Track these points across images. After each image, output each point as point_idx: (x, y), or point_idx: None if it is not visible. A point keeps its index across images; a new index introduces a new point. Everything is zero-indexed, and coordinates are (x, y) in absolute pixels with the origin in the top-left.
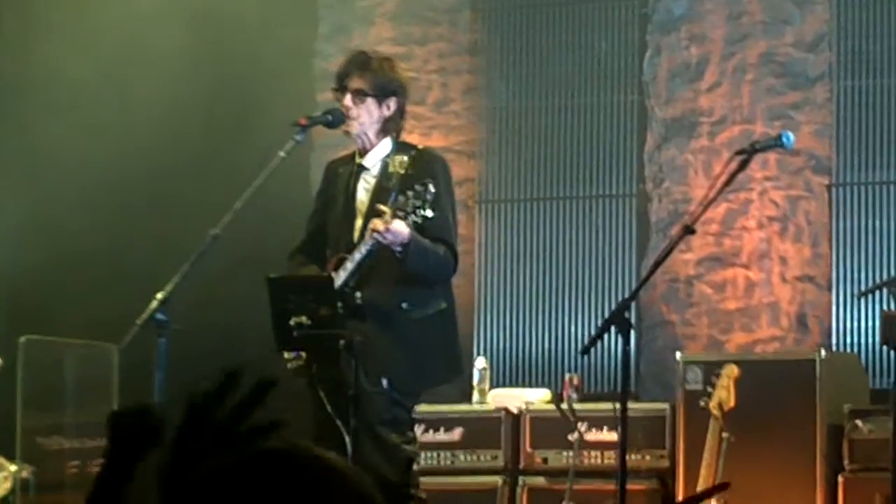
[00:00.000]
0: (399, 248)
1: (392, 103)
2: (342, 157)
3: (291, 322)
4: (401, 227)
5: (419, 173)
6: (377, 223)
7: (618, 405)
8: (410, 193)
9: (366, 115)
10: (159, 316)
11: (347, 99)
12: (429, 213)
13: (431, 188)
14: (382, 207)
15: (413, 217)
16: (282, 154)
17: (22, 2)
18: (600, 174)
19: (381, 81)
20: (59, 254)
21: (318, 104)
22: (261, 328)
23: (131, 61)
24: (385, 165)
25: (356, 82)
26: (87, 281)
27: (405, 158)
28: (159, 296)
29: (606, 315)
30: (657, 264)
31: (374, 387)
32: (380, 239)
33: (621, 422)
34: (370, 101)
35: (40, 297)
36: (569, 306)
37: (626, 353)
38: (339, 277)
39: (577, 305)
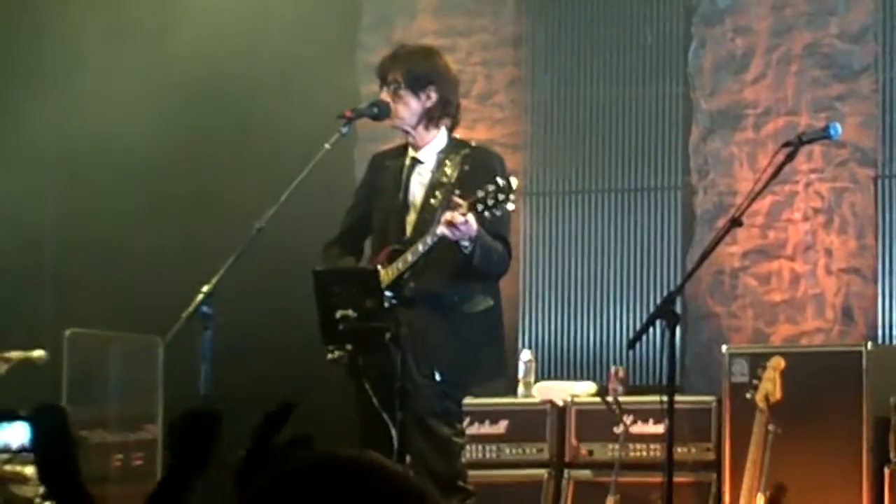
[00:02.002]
0: (466, 243)
1: (431, 93)
2: (390, 150)
3: (337, 315)
4: (473, 221)
5: (477, 170)
6: (455, 216)
7: (664, 398)
8: (491, 187)
9: (404, 109)
10: (205, 309)
11: (384, 93)
12: (510, 206)
13: (513, 182)
14: (458, 200)
15: (495, 210)
16: (327, 146)
17: None
18: (645, 166)
19: (415, 72)
20: (103, 246)
21: (361, 96)
22: (304, 321)
23: (169, 49)
24: (440, 161)
25: (391, 76)
26: (130, 273)
27: (461, 155)
28: (205, 288)
29: (652, 308)
30: (704, 257)
31: (424, 378)
32: (451, 233)
33: (668, 414)
34: (406, 94)
35: (85, 289)
36: (614, 299)
37: (671, 345)
38: (396, 269)
39: (622, 298)
